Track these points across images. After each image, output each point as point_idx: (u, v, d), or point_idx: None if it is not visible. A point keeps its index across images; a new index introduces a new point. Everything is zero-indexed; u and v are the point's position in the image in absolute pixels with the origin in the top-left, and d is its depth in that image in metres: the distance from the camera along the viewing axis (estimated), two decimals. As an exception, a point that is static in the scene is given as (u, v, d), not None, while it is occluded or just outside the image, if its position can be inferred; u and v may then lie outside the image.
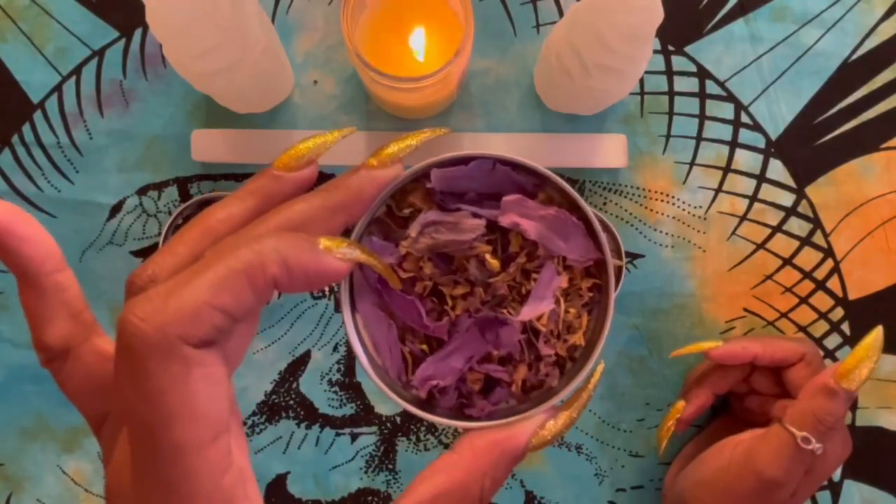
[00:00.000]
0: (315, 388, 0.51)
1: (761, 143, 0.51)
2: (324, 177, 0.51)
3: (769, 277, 0.51)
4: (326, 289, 0.51)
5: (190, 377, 0.20)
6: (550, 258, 0.25)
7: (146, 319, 0.20)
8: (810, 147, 0.51)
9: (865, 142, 0.51)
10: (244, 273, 0.21)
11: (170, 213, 0.51)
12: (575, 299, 0.25)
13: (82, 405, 0.24)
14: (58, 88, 0.51)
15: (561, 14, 0.51)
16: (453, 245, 0.24)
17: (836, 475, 0.51)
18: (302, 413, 0.51)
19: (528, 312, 0.24)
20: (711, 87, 0.51)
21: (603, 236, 0.25)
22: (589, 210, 0.24)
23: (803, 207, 0.51)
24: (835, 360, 0.51)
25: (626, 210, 0.51)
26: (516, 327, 0.25)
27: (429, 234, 0.25)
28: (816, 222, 0.51)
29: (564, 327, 0.25)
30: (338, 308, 0.51)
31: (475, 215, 0.25)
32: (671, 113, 0.51)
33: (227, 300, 0.21)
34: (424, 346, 0.26)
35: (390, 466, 0.51)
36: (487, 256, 0.25)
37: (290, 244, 0.21)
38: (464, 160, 0.25)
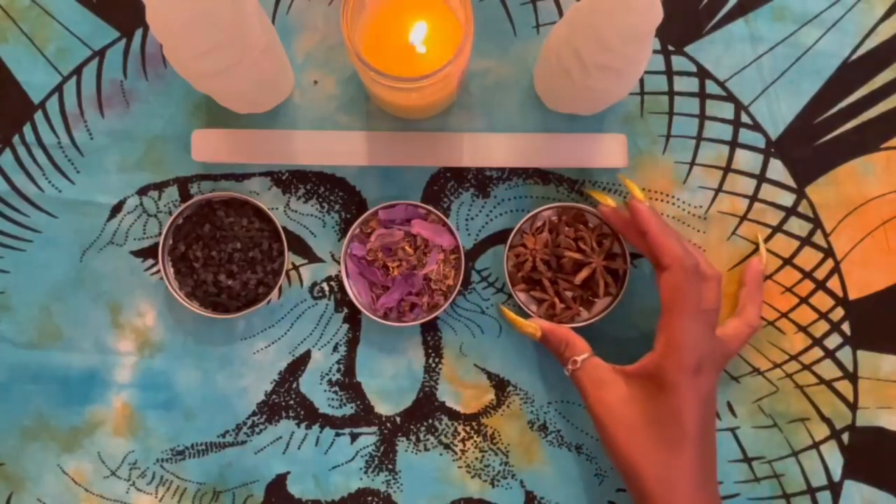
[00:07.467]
0: (315, 388, 0.51)
1: (761, 143, 0.51)
2: (325, 177, 0.51)
3: (769, 277, 0.51)
4: (326, 289, 0.51)
5: None
6: (435, 246, 0.49)
7: None
8: (810, 147, 0.51)
9: (865, 142, 0.51)
10: None
11: (170, 213, 0.51)
12: (447, 264, 0.50)
13: None
14: (58, 89, 0.51)
15: (561, 14, 0.51)
16: (391, 243, 0.49)
17: (837, 475, 0.50)
18: (302, 413, 0.51)
19: (425, 270, 0.49)
20: (711, 87, 0.51)
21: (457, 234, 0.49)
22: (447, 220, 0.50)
23: (803, 207, 0.51)
24: (836, 361, 0.51)
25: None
26: (421, 277, 0.49)
27: (380, 239, 0.49)
28: (816, 222, 0.51)
29: (442, 277, 0.50)
30: (337, 308, 0.51)
31: (400, 229, 0.50)
32: (671, 113, 0.51)
33: None
34: (381, 291, 0.50)
35: (390, 467, 0.51)
36: (406, 247, 0.49)
37: None
38: (393, 205, 0.50)
